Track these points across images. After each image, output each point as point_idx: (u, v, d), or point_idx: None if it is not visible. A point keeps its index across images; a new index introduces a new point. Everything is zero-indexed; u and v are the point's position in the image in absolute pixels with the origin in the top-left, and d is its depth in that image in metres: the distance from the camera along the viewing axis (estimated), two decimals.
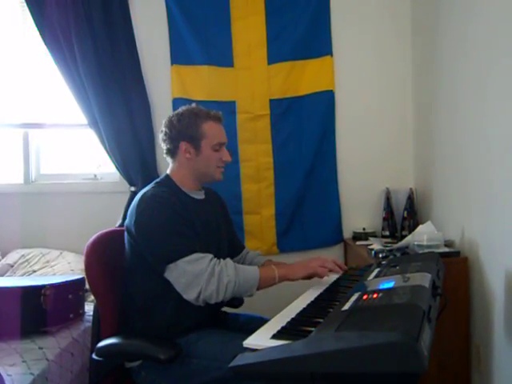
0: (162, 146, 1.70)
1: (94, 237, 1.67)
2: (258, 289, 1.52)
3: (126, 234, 1.59)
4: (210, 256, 1.49)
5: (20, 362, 1.66)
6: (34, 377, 1.59)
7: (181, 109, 1.69)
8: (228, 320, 1.76)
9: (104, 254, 1.64)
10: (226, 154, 1.69)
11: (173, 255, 1.45)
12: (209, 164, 1.65)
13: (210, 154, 1.64)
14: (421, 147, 2.68)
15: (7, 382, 1.49)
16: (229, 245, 1.81)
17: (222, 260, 1.50)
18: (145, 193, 1.57)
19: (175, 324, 1.54)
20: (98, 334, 1.63)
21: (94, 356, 1.48)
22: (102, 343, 1.50)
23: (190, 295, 1.45)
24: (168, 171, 1.71)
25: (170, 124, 1.66)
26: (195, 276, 1.43)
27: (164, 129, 1.67)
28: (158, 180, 1.69)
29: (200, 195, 1.71)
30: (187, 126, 1.63)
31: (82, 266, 2.45)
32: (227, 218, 1.88)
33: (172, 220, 1.49)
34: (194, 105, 1.71)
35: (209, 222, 1.67)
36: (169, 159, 1.70)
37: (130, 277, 1.60)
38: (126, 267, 1.62)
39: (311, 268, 1.58)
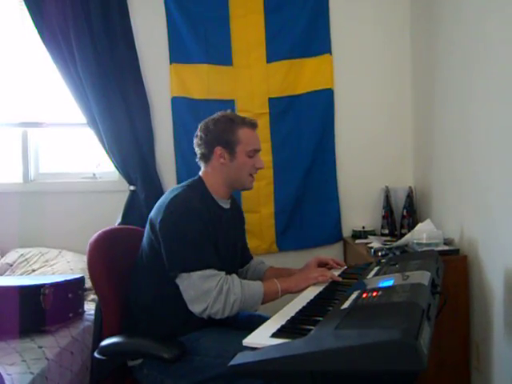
0: (196, 150, 1.69)
1: (96, 234, 1.67)
2: (261, 303, 1.55)
3: (148, 225, 1.59)
4: (222, 274, 1.50)
5: (19, 362, 1.66)
6: (34, 376, 1.59)
7: (216, 114, 1.68)
8: (228, 318, 1.76)
9: (107, 252, 1.64)
10: (260, 160, 1.68)
11: (188, 266, 1.47)
12: (242, 170, 1.65)
13: (244, 159, 1.64)
14: (420, 145, 2.68)
15: (7, 382, 1.48)
16: (240, 256, 1.82)
17: (229, 277, 1.52)
18: (177, 194, 1.56)
19: (183, 323, 1.54)
20: (99, 333, 1.63)
21: (96, 354, 1.48)
22: (105, 342, 1.50)
23: (195, 308, 1.47)
24: (201, 173, 1.70)
25: (206, 128, 1.65)
26: (204, 292, 1.45)
27: (199, 133, 1.67)
28: (190, 182, 1.67)
29: (227, 204, 1.71)
30: (223, 131, 1.62)
31: (81, 265, 2.46)
32: (243, 229, 1.89)
33: (196, 231, 1.50)
34: (229, 111, 1.71)
35: (228, 234, 1.68)
36: (202, 164, 1.69)
37: (140, 272, 1.61)
38: (138, 261, 1.62)
39: (313, 279, 1.60)
